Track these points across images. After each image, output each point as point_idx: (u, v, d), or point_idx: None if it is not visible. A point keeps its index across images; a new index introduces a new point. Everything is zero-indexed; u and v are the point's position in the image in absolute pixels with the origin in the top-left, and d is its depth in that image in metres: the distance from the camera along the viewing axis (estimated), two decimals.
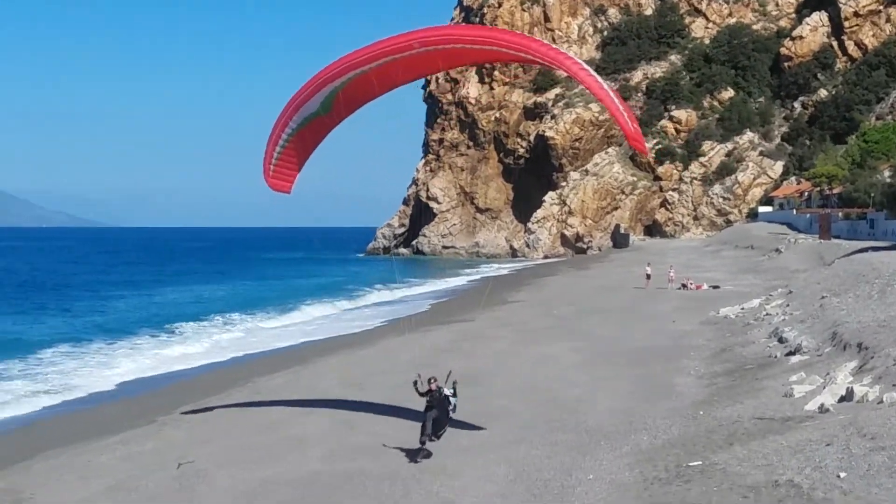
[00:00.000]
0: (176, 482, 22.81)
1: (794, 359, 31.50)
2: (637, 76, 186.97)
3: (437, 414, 23.69)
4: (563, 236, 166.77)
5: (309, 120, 26.67)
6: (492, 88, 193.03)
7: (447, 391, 24.17)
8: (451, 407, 24.19)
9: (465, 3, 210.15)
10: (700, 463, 20.39)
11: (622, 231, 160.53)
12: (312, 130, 27.12)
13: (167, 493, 22.00)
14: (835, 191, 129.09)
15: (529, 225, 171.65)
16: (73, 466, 25.23)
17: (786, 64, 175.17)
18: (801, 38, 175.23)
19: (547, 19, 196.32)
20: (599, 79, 23.40)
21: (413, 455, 23.80)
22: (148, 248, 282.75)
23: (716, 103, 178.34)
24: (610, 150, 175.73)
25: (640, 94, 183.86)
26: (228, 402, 33.88)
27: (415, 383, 24.18)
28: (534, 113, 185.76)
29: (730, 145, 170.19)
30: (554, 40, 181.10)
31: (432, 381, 24.13)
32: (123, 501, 21.51)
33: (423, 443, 23.62)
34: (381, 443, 25.73)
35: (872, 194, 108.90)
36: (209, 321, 68.15)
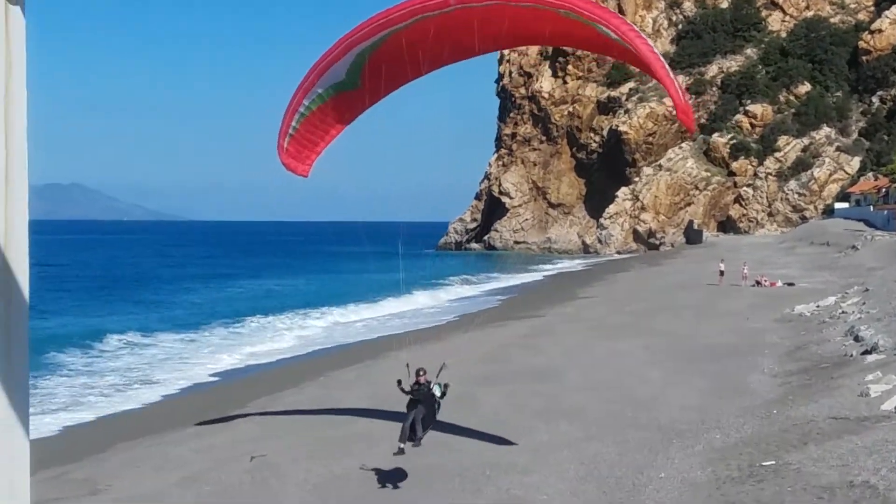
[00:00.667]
0: (248, 475, 22.99)
1: (871, 358, 31.06)
2: (712, 70, 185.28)
3: (423, 412, 21.48)
4: (635, 232, 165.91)
5: (335, 90, 22.57)
6: (565, 82, 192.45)
7: (435, 389, 21.94)
8: (437, 406, 22.10)
9: None
10: (773, 462, 20.20)
11: (695, 227, 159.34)
12: (339, 106, 23.13)
13: (240, 486, 22.19)
14: None
15: (602, 220, 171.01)
16: (148, 458, 25.54)
17: (864, 58, 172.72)
18: (879, 31, 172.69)
19: (621, 12, 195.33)
20: (652, 45, 20.49)
21: (387, 479, 21.76)
22: (225, 241, 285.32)
23: (792, 98, 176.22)
24: (684, 144, 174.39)
25: (714, 89, 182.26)
26: (301, 395, 34.10)
27: (399, 382, 21.72)
28: (607, 107, 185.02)
29: (806, 140, 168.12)
30: None
31: (421, 372, 21.81)
32: (197, 493, 21.72)
33: (406, 445, 21.23)
34: (450, 437, 25.73)
35: None
36: (282, 315, 68.66)
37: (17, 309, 2.37)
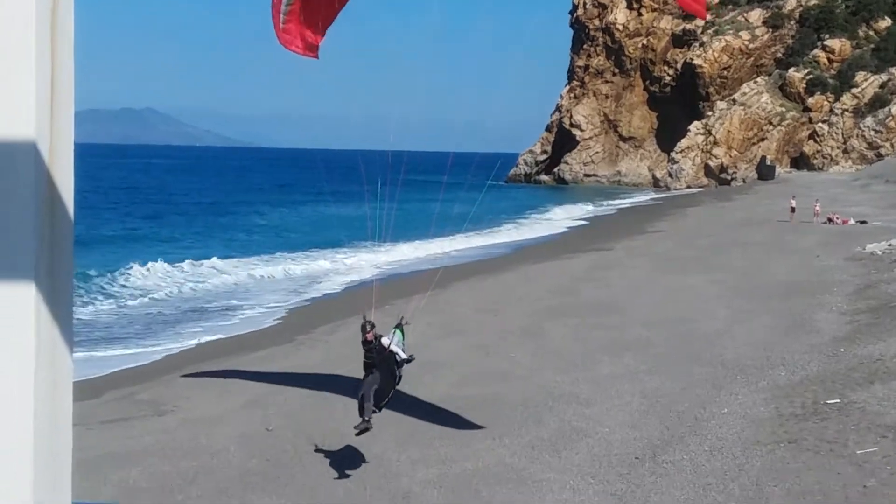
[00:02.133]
0: (311, 399, 23.26)
1: None
2: (790, 3, 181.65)
3: (379, 379, 17.61)
4: (706, 167, 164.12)
5: None
6: (640, 14, 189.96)
7: (389, 342, 17.88)
8: (398, 367, 17.96)
9: None
10: (838, 401, 20.08)
11: (768, 163, 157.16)
12: None
13: (302, 410, 22.46)
14: None
15: (673, 154, 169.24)
16: (214, 381, 25.89)
17: None
18: None
19: None
20: None
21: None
22: (296, 167, 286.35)
23: (871, 32, 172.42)
24: (759, 79, 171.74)
25: (792, 23, 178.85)
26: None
27: (363, 327, 17.93)
28: (682, 40, 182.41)
29: (884, 76, 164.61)
30: None
31: (367, 328, 17.73)
32: (262, 416, 22.02)
33: (365, 422, 17.50)
34: (514, 368, 25.82)
35: None
36: (350, 242, 68.89)
37: (63, 226, 2.38)
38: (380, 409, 17.80)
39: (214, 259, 56.87)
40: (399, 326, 18.44)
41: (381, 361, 17.58)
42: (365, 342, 17.64)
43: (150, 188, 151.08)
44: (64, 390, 2.37)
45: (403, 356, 17.95)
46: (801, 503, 15.08)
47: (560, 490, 16.85)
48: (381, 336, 17.74)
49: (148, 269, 51.35)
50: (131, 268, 50.53)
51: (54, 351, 2.32)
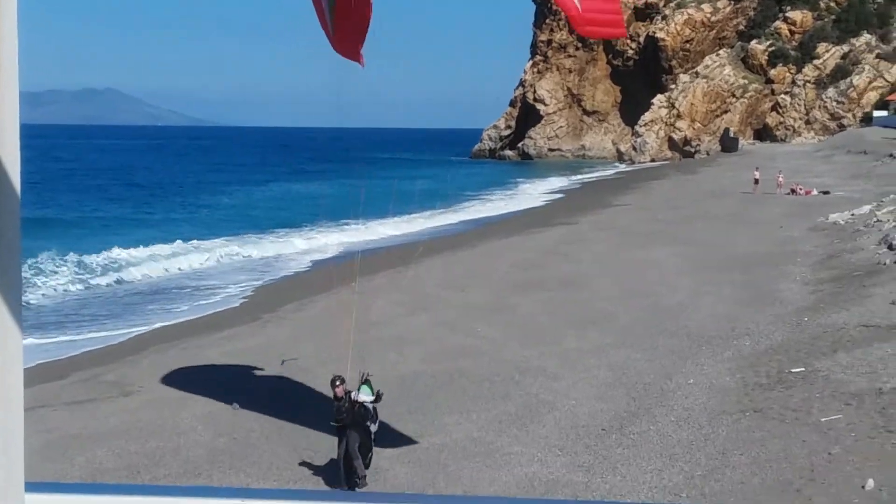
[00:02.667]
0: (279, 378, 23.20)
1: None
2: None
3: (357, 439, 16.46)
4: (670, 140, 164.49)
5: None
6: None
7: (363, 397, 16.83)
8: (371, 421, 16.75)
9: None
10: (802, 369, 20.22)
11: (731, 135, 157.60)
12: None
13: (269, 389, 22.41)
14: None
15: (637, 128, 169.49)
16: (180, 360, 25.76)
17: None
18: None
19: None
20: None
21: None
22: (259, 146, 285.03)
23: (833, 4, 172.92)
24: (721, 52, 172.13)
25: None
26: (331, 300, 34.27)
27: (333, 382, 16.85)
28: (644, 14, 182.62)
29: (846, 47, 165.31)
30: None
31: (338, 382, 16.72)
32: (228, 395, 21.94)
33: (362, 480, 16.36)
34: (481, 343, 25.85)
35: None
36: (313, 221, 68.67)
37: (8, 206, 2.32)
38: (368, 467, 16.59)
39: (178, 242, 56.47)
40: (366, 382, 17.29)
41: (352, 421, 16.40)
42: (335, 398, 16.47)
43: (113, 169, 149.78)
44: (14, 373, 2.33)
45: (372, 403, 16.80)
46: (767, 471, 15.17)
47: (528, 463, 16.90)
48: (350, 392, 16.58)
49: (111, 252, 50.93)
50: (98, 251, 50.08)
51: (4, 334, 2.27)
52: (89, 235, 59.42)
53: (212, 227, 65.24)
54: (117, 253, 50.24)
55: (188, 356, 26.29)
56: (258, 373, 23.82)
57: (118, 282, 43.43)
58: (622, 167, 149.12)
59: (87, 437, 19.25)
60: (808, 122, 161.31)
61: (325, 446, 18.23)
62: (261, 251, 53.72)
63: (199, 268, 47.94)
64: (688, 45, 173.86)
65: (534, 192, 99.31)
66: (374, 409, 16.82)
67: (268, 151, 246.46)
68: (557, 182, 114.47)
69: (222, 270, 47.17)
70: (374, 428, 16.66)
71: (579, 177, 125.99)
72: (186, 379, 23.64)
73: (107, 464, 17.75)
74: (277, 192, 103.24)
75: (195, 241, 56.42)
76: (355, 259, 40.77)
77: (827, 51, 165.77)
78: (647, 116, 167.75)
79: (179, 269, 47.55)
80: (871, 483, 13.73)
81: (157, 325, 32.74)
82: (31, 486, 2.70)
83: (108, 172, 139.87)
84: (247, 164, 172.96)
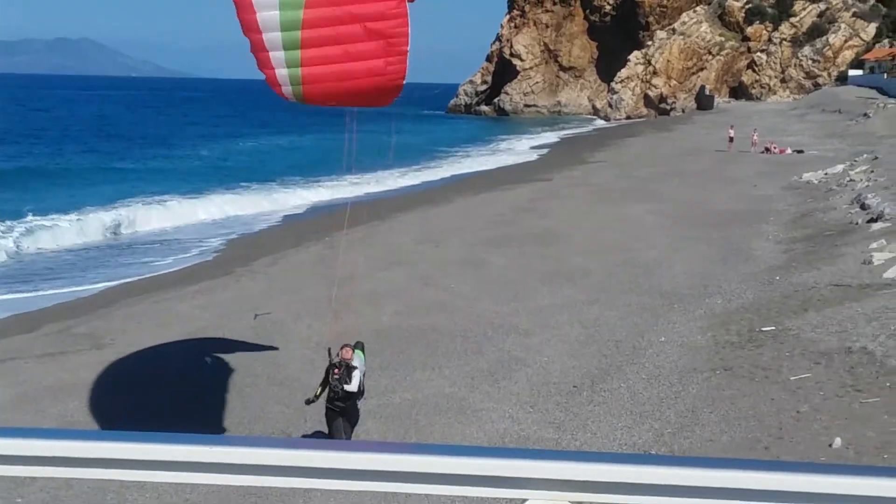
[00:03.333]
0: (252, 332, 23.21)
1: (876, 226, 31.05)
2: None
3: (351, 424, 15.67)
4: (646, 97, 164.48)
5: None
6: None
7: (356, 362, 15.51)
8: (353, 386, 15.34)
9: None
10: (773, 328, 20.34)
11: (707, 93, 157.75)
12: None
13: (242, 342, 22.40)
14: None
15: (613, 85, 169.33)
16: (152, 313, 25.76)
17: None
18: None
19: None
20: None
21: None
22: (234, 99, 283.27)
23: None
24: (698, 8, 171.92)
25: None
26: (305, 254, 34.25)
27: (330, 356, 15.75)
28: None
29: (822, 5, 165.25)
30: None
31: (341, 352, 15.55)
32: (201, 348, 21.95)
33: None
34: (455, 299, 25.90)
35: None
36: (288, 176, 68.46)
37: None
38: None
39: (154, 197, 56.22)
40: (359, 346, 16.16)
41: (349, 407, 15.46)
42: (334, 365, 15.33)
43: (87, 121, 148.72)
44: None
45: (359, 387, 15.45)
46: (736, 429, 15.30)
47: (499, 419, 16.98)
48: (351, 366, 15.29)
49: (84, 210, 50.66)
50: (68, 210, 49.69)
51: None
52: (58, 189, 58.95)
53: (186, 182, 64.84)
54: (88, 209, 49.94)
55: (160, 309, 26.27)
56: (231, 326, 23.82)
57: (88, 238, 43.10)
58: (600, 123, 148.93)
59: (59, 390, 19.23)
60: (783, 81, 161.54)
61: (297, 399, 18.27)
62: (236, 205, 53.51)
63: (173, 222, 47.69)
64: (665, 2, 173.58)
65: (520, 148, 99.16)
66: (362, 383, 15.55)
67: (242, 104, 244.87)
68: (540, 138, 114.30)
69: (196, 225, 46.98)
70: (359, 395, 15.58)
71: (560, 132, 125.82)
72: (158, 332, 23.62)
73: (78, 416, 17.74)
74: (252, 146, 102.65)
75: (169, 196, 56.18)
76: (330, 213, 40.73)
77: (804, 9, 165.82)
78: (623, 73, 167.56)
79: (151, 222, 47.31)
80: (838, 441, 13.86)
81: (130, 279, 32.65)
82: (2, 432, 2.72)
83: (77, 124, 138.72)
84: (223, 117, 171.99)
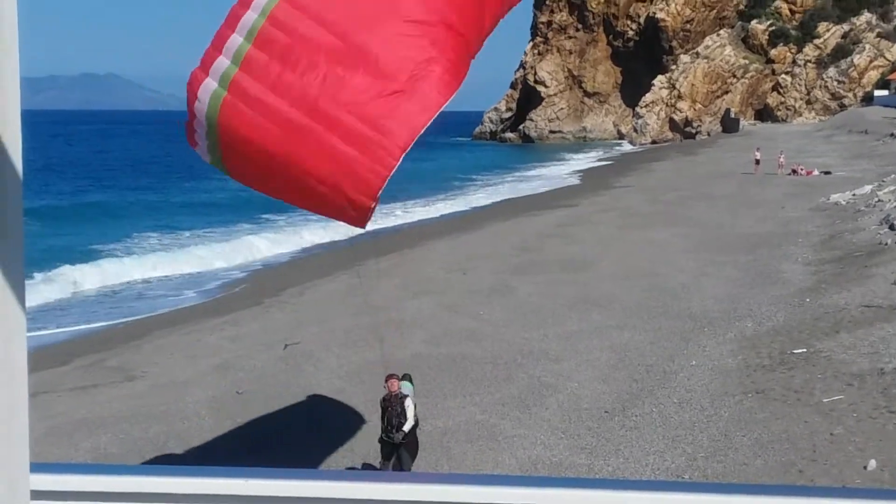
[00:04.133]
0: (283, 362, 23.28)
1: None
2: None
3: (410, 457, 15.23)
4: (671, 121, 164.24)
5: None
6: None
7: (406, 392, 15.34)
8: (409, 420, 15.08)
9: None
10: (804, 350, 20.25)
11: (732, 115, 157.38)
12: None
13: (275, 373, 22.47)
14: None
15: (637, 109, 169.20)
16: (182, 346, 25.86)
17: None
18: None
19: None
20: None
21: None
22: None
23: None
24: (722, 32, 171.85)
25: None
26: (333, 284, 34.33)
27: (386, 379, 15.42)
28: None
29: (846, 26, 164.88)
30: None
31: (392, 381, 15.23)
32: (232, 380, 22.02)
33: None
34: (483, 326, 25.90)
35: None
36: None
37: (11, 203, 2.34)
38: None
39: (184, 232, 56.54)
40: (407, 377, 15.81)
41: (409, 440, 15.05)
42: (386, 399, 15.09)
43: (114, 155, 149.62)
44: (18, 350, 2.36)
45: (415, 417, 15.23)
46: (769, 452, 15.23)
47: (531, 446, 16.96)
48: (403, 396, 15.08)
49: (118, 244, 51.09)
50: (103, 249, 50.03)
51: (6, 310, 2.30)
52: (92, 225, 59.36)
53: (214, 213, 65.16)
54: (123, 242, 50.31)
55: (190, 341, 26.38)
56: (261, 357, 23.89)
57: (121, 270, 43.28)
58: (627, 148, 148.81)
59: (91, 423, 19.32)
60: (808, 102, 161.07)
61: (329, 428, 18.30)
62: (262, 235, 53.69)
63: (201, 253, 47.86)
64: (688, 26, 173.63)
65: (547, 175, 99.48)
66: (416, 414, 15.25)
67: None
68: (567, 165, 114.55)
69: (223, 256, 47.08)
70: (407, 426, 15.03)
71: (587, 158, 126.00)
72: (189, 364, 23.72)
73: (111, 449, 17.82)
74: None
75: (199, 231, 56.51)
76: (359, 243, 40.85)
77: (827, 30, 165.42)
78: (647, 97, 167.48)
79: (183, 254, 47.53)
80: (873, 463, 13.78)
81: (162, 310, 32.82)
82: (37, 467, 2.76)
83: (103, 157, 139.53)
84: None
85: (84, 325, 30.85)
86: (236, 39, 7.00)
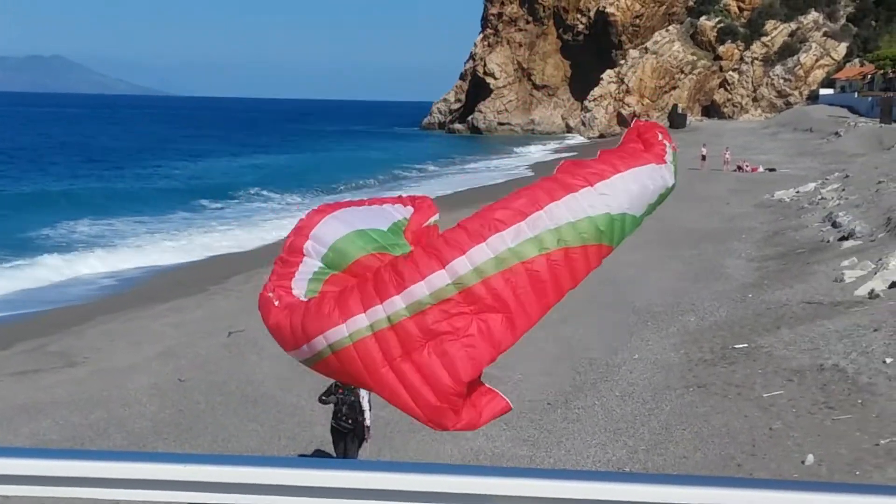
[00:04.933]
0: (226, 350, 23.15)
1: (847, 244, 31.25)
2: None
3: (357, 444, 14.95)
4: (619, 115, 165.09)
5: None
6: None
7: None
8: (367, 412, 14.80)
9: None
10: (746, 345, 20.43)
11: (679, 111, 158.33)
12: None
13: (218, 360, 22.35)
14: None
15: (586, 103, 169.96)
16: (125, 332, 25.66)
17: None
18: None
19: None
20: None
21: None
22: (207, 118, 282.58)
23: None
24: (671, 27, 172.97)
25: None
26: None
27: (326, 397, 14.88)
28: None
29: (793, 25, 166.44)
30: None
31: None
32: (175, 367, 21.88)
33: None
34: None
35: None
36: (266, 193, 68.41)
37: None
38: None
39: (125, 219, 56.07)
40: None
41: (356, 426, 14.69)
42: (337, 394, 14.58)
43: (59, 139, 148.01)
44: None
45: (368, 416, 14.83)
46: (709, 446, 15.35)
47: (473, 437, 16.96)
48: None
49: (57, 226, 50.57)
50: (43, 230, 49.50)
51: None
52: (30, 210, 58.60)
53: (158, 200, 64.67)
54: (63, 225, 49.83)
55: (133, 327, 26.18)
56: (205, 344, 23.75)
57: (60, 255, 42.81)
58: (578, 140, 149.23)
59: (31, 408, 19.13)
60: (755, 100, 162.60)
61: (271, 418, 18.23)
62: (209, 223, 53.41)
63: (145, 239, 47.50)
64: (637, 21, 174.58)
65: (493, 166, 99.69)
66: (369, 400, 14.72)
67: (218, 121, 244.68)
68: (513, 157, 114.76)
69: (168, 242, 46.76)
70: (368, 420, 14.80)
71: (536, 150, 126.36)
72: (132, 350, 23.55)
73: (51, 434, 17.65)
74: (227, 165, 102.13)
75: (140, 216, 56.10)
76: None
77: (775, 28, 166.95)
78: (596, 91, 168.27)
79: (124, 238, 47.13)
80: (810, 458, 13.92)
81: (102, 296, 32.55)
82: None
83: (49, 141, 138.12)
84: (197, 135, 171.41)
85: (25, 311, 30.52)
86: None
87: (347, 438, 14.74)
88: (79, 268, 38.41)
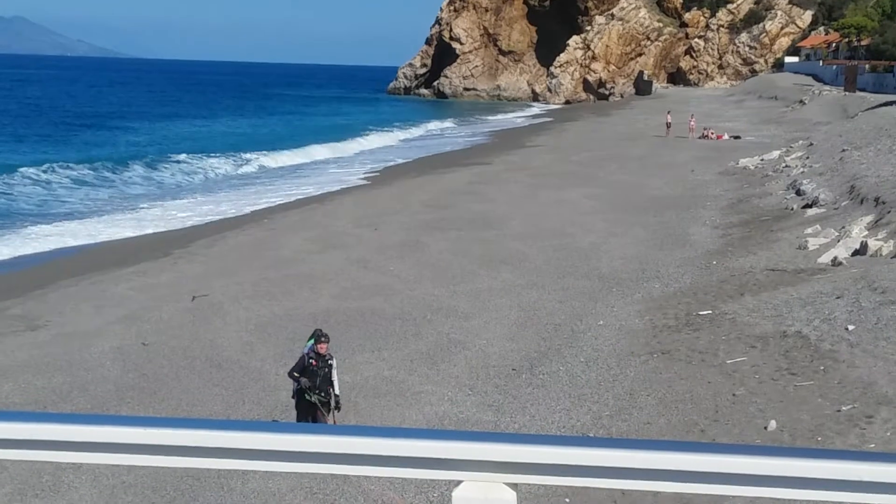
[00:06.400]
0: (190, 314, 23.07)
1: (811, 211, 31.43)
2: None
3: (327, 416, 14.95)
4: (585, 81, 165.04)
5: None
6: None
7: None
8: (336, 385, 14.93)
9: None
10: (710, 312, 20.52)
11: (645, 78, 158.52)
12: None
13: (181, 324, 22.26)
14: (863, 42, 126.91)
15: (552, 69, 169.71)
16: (88, 295, 25.51)
17: None
18: None
19: None
20: None
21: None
22: (169, 80, 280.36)
23: None
24: None
25: None
26: (243, 237, 34.06)
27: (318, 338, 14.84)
28: None
29: None
30: None
31: (323, 339, 14.75)
32: (138, 331, 21.77)
33: None
34: (393, 282, 25.88)
35: None
36: (225, 156, 67.95)
37: None
38: None
39: (85, 170, 55.59)
40: (316, 333, 14.99)
41: (328, 400, 14.77)
42: (312, 357, 14.62)
43: (18, 101, 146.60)
44: None
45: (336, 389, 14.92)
46: (673, 411, 15.42)
47: (438, 402, 17.00)
48: (330, 357, 14.74)
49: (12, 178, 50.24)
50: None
51: None
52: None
53: (121, 161, 64.09)
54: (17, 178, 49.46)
55: (96, 291, 26.02)
56: (168, 309, 23.65)
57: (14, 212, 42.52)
58: (536, 109, 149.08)
59: None
60: (720, 67, 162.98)
61: (235, 382, 18.19)
62: (173, 187, 53.10)
63: (106, 202, 47.19)
64: None
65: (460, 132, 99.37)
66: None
67: (184, 85, 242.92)
68: (477, 125, 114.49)
69: (130, 207, 46.44)
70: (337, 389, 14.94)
71: (507, 116, 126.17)
72: (95, 314, 23.41)
73: (13, 398, 17.54)
74: (189, 128, 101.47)
75: (101, 172, 55.66)
76: (269, 197, 40.55)
77: None
78: (562, 58, 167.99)
79: (86, 201, 46.82)
80: (773, 424, 14.01)
81: (64, 257, 32.29)
82: None
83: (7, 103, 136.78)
84: (161, 99, 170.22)
85: None
86: None
87: (319, 411, 14.75)
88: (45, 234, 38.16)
